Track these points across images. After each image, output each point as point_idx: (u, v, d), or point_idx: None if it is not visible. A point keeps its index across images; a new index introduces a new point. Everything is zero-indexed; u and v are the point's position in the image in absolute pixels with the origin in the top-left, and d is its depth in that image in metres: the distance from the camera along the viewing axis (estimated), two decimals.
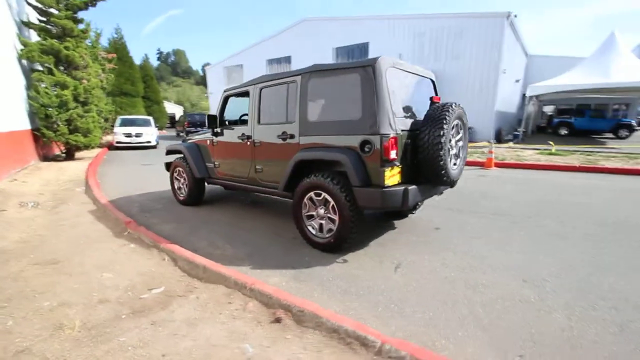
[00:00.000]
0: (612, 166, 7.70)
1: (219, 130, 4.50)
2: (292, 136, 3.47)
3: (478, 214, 4.40)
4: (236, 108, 4.98)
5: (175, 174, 5.30)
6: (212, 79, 27.25)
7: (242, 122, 4.90)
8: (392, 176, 2.88)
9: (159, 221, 4.38)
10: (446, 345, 1.88)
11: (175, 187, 5.35)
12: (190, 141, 5.20)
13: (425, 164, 3.03)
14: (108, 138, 15.11)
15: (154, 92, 30.65)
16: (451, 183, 3.22)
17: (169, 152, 5.53)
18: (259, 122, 3.88)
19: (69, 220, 4.32)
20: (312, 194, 3.27)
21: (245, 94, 4.42)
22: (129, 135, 14.28)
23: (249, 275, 2.65)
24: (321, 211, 3.27)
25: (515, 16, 15.83)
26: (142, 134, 14.53)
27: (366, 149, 2.91)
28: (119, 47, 23.04)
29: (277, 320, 2.06)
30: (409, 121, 3.14)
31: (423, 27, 16.91)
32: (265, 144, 3.80)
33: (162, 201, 5.50)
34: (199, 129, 22.59)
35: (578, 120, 18.69)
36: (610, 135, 18.08)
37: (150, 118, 16.71)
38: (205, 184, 5.07)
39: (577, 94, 17.09)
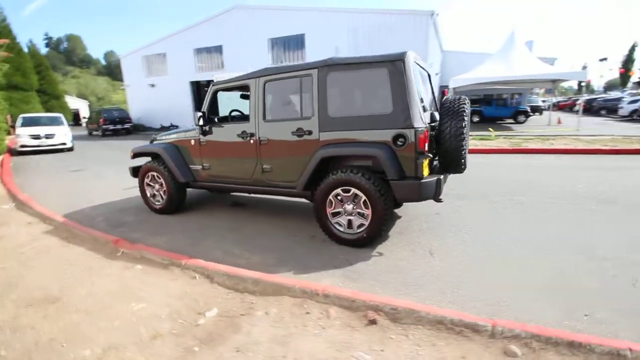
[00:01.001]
0: (561, 147, 9.14)
1: (207, 128, 4.08)
2: (309, 132, 3.34)
3: (463, 198, 4.85)
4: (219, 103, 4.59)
5: (147, 180, 4.66)
6: (129, 69, 24.20)
7: (234, 118, 4.54)
8: (425, 167, 3.01)
9: (144, 235, 3.83)
10: (527, 313, 2.07)
11: (148, 194, 4.72)
12: (164, 141, 4.61)
13: (448, 154, 3.22)
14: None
15: (51, 84, 26.13)
16: (463, 170, 3.49)
17: (136, 155, 4.83)
18: (264, 118, 3.63)
19: (28, 245, 3.50)
20: (339, 190, 3.22)
21: (242, 88, 4.09)
22: (36, 137, 11.95)
23: (301, 280, 2.53)
24: (349, 207, 3.24)
25: (437, 14, 17.45)
26: (53, 134, 12.30)
27: (399, 143, 2.97)
28: (2, 31, 18.87)
29: (373, 322, 2.03)
30: (427, 114, 3.29)
31: (357, 22, 17.50)
32: (274, 142, 3.59)
33: (129, 212, 4.80)
34: (118, 125, 19.98)
35: (487, 109, 21.58)
36: (511, 120, 21.32)
37: (61, 115, 14.19)
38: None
39: (487, 86, 19.69)
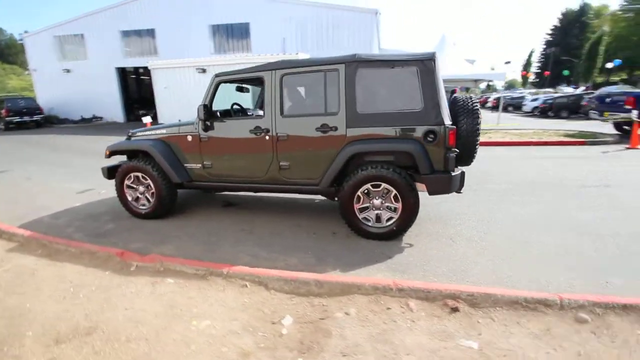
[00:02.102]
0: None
1: (208, 123, 3.73)
2: (334, 128, 3.30)
3: None
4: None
5: (128, 182, 4.09)
6: (35, 52, 20.46)
7: (237, 112, 4.21)
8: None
9: (145, 244, 3.40)
10: (563, 285, 2.39)
11: (129, 198, 4.15)
12: (149, 137, 4.09)
13: (464, 150, 3.47)
14: None
15: None
16: (471, 163, 3.80)
17: (113, 153, 4.20)
18: (282, 113, 3.46)
19: (3, 268, 2.83)
20: (368, 185, 3.26)
21: (251, 80, 3.83)
22: None
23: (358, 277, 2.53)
24: (377, 202, 3.31)
25: (380, 14, 18.26)
26: None
27: (429, 139, 3.12)
28: None
29: (455, 310, 2.14)
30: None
31: (305, 14, 17.39)
32: (295, 138, 3.45)
33: (104, 219, 4.19)
34: (26, 117, 16.75)
35: None
36: None
37: None
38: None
39: None
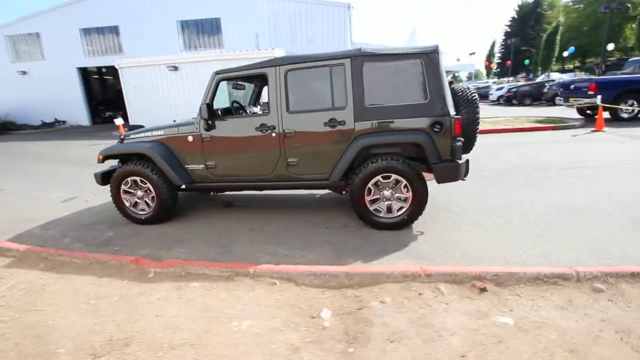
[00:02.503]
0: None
1: (210, 122, 3.64)
2: (342, 122, 3.33)
3: None
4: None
5: (125, 187, 3.92)
6: None
7: (237, 110, 4.12)
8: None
9: (153, 250, 3.30)
10: (572, 259, 2.59)
11: (127, 204, 3.98)
12: (144, 139, 3.92)
13: (465, 138, 3.62)
14: None
15: None
16: (470, 151, 3.96)
17: (107, 158, 3.99)
18: (288, 109, 3.45)
19: (6, 285, 2.64)
20: (379, 177, 3.33)
21: (253, 77, 3.76)
22: None
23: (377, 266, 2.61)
24: (387, 193, 3.39)
25: (352, 7, 18.35)
26: None
27: (435, 129, 3.22)
28: None
29: (484, 290, 2.26)
30: None
31: (278, 9, 17.16)
32: (303, 134, 3.45)
33: (100, 227, 4.00)
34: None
35: None
36: None
37: None
38: None
39: None
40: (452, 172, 3.25)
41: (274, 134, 3.51)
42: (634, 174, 4.87)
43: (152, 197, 3.90)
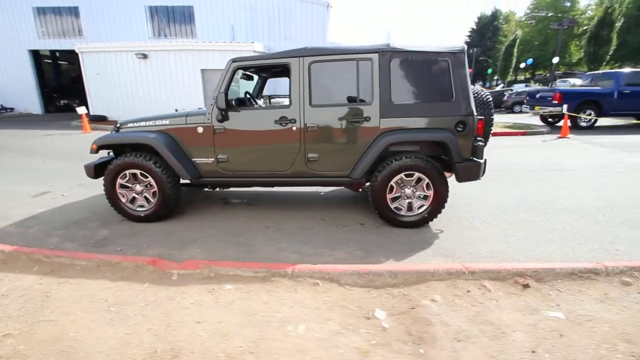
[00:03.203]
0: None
1: (224, 113, 3.41)
2: (368, 118, 3.27)
3: None
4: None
5: (121, 180, 3.56)
6: None
7: (250, 100, 3.89)
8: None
9: (165, 250, 3.03)
10: (590, 254, 2.75)
11: (122, 199, 3.62)
12: (146, 129, 3.59)
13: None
14: None
15: None
16: None
17: (101, 148, 3.59)
18: (310, 103, 3.32)
19: (13, 293, 2.26)
20: (402, 175, 3.32)
21: (277, 67, 3.58)
22: None
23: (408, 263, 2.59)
24: (409, 191, 3.39)
25: (331, 7, 18.34)
26: None
27: (459, 129, 3.27)
28: None
29: (526, 286, 2.32)
30: None
31: (256, 2, 16.69)
32: (325, 129, 3.34)
33: (87, 225, 3.61)
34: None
35: None
36: None
37: None
38: None
39: None
40: (474, 171, 3.32)
41: (294, 128, 3.36)
42: (612, 176, 5.32)
43: (154, 192, 3.58)
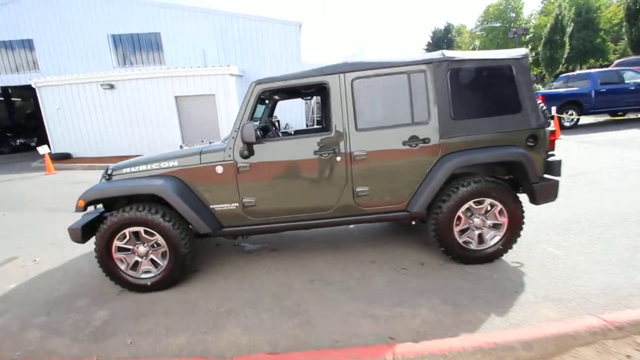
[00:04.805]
0: None
1: (250, 147, 2.76)
2: (425, 140, 2.74)
3: None
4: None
5: (119, 242, 2.77)
6: None
7: (276, 129, 3.23)
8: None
9: (191, 336, 2.26)
10: None
11: (121, 266, 2.82)
12: (154, 174, 2.85)
13: None
14: None
15: None
16: None
17: (91, 203, 2.80)
18: (356, 127, 2.75)
19: None
20: (471, 203, 2.80)
21: (311, 88, 3.00)
22: None
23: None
24: (478, 220, 2.86)
25: (301, 25, 18.24)
26: None
27: (530, 143, 2.82)
28: None
29: None
30: None
31: (227, 25, 16.22)
32: (376, 156, 2.77)
33: (76, 304, 2.80)
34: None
35: None
36: None
37: None
38: None
39: None
40: (552, 191, 2.86)
41: (338, 158, 2.76)
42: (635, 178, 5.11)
43: (163, 253, 2.82)
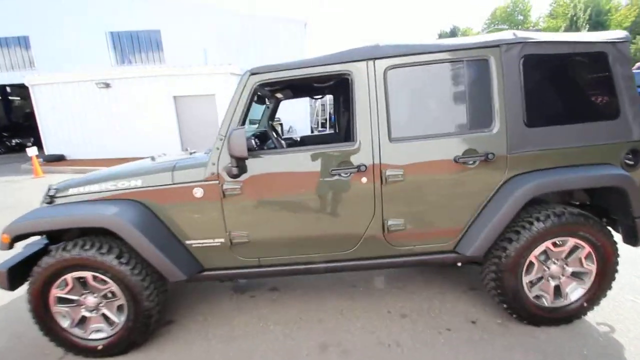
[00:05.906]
0: None
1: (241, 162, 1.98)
2: (487, 155, 1.95)
3: None
4: None
5: (59, 291, 2.00)
6: None
7: (277, 137, 2.48)
8: None
9: None
10: None
11: (63, 323, 2.05)
12: (108, 197, 2.08)
13: None
14: None
15: None
16: None
17: (18, 239, 2.02)
18: (389, 136, 1.96)
19: None
20: (548, 244, 2.00)
21: (325, 81, 2.25)
22: None
23: None
24: (555, 268, 2.06)
25: (308, 24, 17.54)
26: None
27: (629, 161, 2.02)
28: None
29: None
30: None
31: (229, 22, 15.54)
32: (417, 176, 1.98)
33: None
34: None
35: None
36: None
37: None
38: None
39: None
40: None
41: (364, 179, 1.98)
42: None
43: (119, 307, 2.04)
